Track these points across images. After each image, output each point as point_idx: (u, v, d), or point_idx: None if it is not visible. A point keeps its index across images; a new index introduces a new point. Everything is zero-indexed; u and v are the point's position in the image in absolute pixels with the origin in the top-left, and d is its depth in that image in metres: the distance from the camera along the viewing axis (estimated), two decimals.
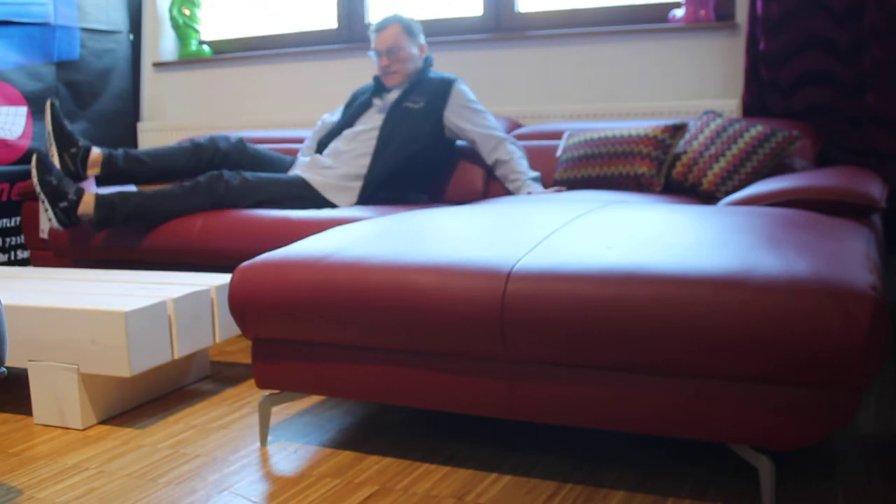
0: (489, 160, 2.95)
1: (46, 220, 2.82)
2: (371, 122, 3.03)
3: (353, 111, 3.10)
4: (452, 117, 2.97)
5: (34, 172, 2.73)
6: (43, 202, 2.74)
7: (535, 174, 2.88)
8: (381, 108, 3.05)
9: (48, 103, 2.85)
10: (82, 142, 2.87)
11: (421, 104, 2.98)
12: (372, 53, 3.07)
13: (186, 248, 2.76)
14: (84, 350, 1.96)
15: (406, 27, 3.05)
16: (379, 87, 3.11)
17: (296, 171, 3.03)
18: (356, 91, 3.23)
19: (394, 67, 3.03)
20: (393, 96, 3.05)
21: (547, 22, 3.39)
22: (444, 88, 2.99)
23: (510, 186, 2.90)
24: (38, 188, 2.73)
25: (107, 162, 2.89)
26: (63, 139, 2.85)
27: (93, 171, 2.87)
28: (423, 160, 2.98)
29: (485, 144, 2.94)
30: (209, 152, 3.01)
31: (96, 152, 2.88)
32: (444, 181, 3.08)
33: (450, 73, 3.42)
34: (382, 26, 3.05)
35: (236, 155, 3.05)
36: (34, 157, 2.72)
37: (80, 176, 2.86)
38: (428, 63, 3.10)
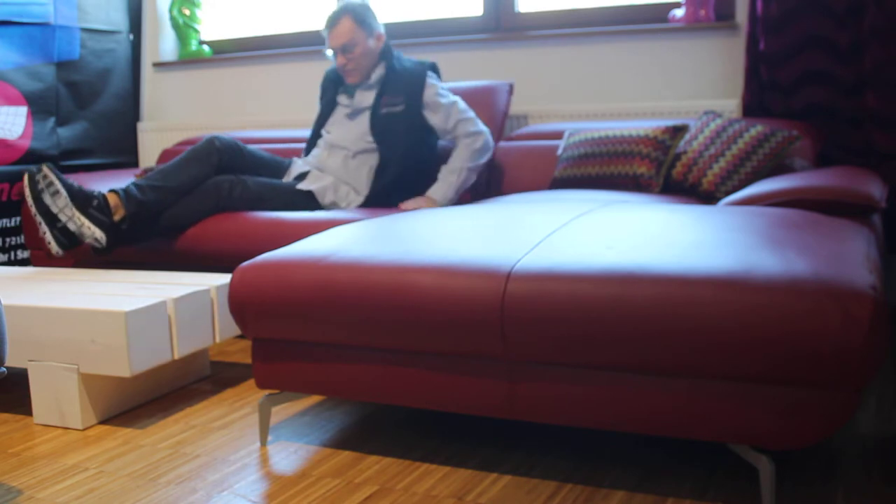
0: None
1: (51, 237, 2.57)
2: (344, 130, 2.93)
3: (322, 114, 3.04)
4: (430, 116, 2.89)
5: (27, 192, 2.53)
6: (40, 224, 2.55)
7: (446, 183, 2.82)
8: (352, 114, 2.94)
9: (44, 169, 2.52)
10: (95, 191, 2.63)
11: (401, 107, 2.85)
12: (329, 52, 2.93)
13: (183, 250, 2.76)
14: (84, 350, 1.96)
15: (358, 18, 2.88)
16: (342, 80, 3.02)
17: (298, 181, 2.94)
18: (326, 76, 3.11)
19: (350, 66, 2.91)
20: (365, 100, 2.93)
21: (547, 22, 3.39)
22: (417, 85, 2.87)
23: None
24: (32, 209, 2.55)
25: (125, 200, 2.65)
26: (81, 199, 2.57)
27: (119, 215, 2.65)
28: (423, 164, 2.93)
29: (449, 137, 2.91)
30: (214, 156, 2.82)
31: (109, 192, 2.65)
32: None
33: (445, 68, 3.41)
34: (333, 22, 2.89)
35: (233, 156, 2.88)
36: (25, 177, 2.53)
37: (113, 225, 2.63)
38: (388, 52, 2.94)
